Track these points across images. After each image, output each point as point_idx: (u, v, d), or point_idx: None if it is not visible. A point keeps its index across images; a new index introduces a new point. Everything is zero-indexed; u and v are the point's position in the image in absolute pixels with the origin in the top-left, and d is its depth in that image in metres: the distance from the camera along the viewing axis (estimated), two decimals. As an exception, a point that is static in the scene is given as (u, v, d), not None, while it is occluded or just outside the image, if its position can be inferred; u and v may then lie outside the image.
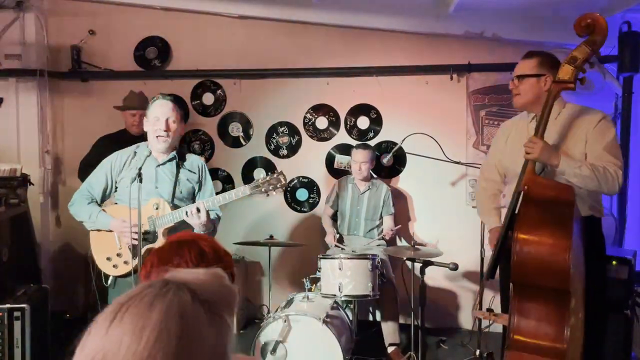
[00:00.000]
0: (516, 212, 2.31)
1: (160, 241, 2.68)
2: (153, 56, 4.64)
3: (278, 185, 2.62)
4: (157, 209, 2.66)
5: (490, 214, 2.90)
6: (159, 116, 2.68)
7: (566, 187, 2.18)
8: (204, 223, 2.62)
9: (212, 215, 2.83)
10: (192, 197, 2.85)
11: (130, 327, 0.70)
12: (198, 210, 2.60)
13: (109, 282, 2.78)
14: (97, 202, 2.84)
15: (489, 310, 2.31)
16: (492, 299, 2.74)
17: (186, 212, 2.61)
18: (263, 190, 2.62)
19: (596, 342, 2.43)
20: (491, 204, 2.90)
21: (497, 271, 2.48)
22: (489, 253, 3.72)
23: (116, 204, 2.87)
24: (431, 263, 3.10)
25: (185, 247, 1.48)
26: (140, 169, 2.50)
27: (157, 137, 2.69)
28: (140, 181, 2.46)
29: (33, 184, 4.04)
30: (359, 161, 4.11)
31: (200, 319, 0.74)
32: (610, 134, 2.44)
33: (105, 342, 0.70)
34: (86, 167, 3.70)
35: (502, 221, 2.83)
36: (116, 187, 2.83)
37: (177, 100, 2.83)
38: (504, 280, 2.58)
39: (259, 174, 4.58)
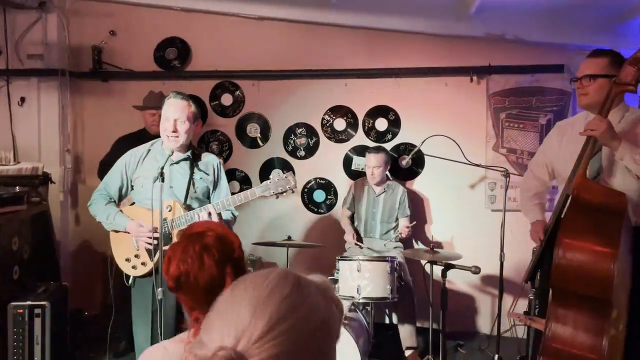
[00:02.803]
0: (562, 215, 2.24)
1: None
2: (173, 57, 4.67)
3: (287, 187, 2.59)
4: (170, 210, 2.65)
5: (531, 210, 2.78)
6: (169, 116, 2.67)
7: (618, 194, 2.09)
8: None
9: (228, 215, 2.84)
10: (207, 197, 2.85)
11: (254, 277, 0.80)
12: (209, 214, 2.60)
13: (130, 281, 2.79)
14: (114, 201, 2.85)
15: (526, 313, 2.26)
16: (530, 302, 2.68)
17: (198, 215, 2.62)
18: (272, 192, 2.60)
19: (638, 356, 2.35)
20: (534, 200, 2.80)
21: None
22: (508, 257, 3.71)
23: (133, 203, 2.89)
24: (453, 266, 3.07)
25: (191, 241, 1.55)
26: (162, 168, 2.50)
27: (167, 136, 2.69)
28: (162, 180, 2.47)
29: (54, 183, 4.09)
30: (371, 166, 4.09)
31: (311, 288, 0.81)
32: None
33: (234, 291, 0.80)
34: (106, 167, 3.70)
35: (544, 216, 2.76)
36: (132, 186, 2.84)
37: (192, 98, 2.81)
38: (544, 284, 2.52)
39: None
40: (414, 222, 4.10)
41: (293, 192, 2.67)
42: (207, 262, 1.50)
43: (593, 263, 1.89)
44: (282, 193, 2.62)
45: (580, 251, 1.91)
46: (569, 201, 2.11)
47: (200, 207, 2.71)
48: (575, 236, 1.94)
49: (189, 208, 2.71)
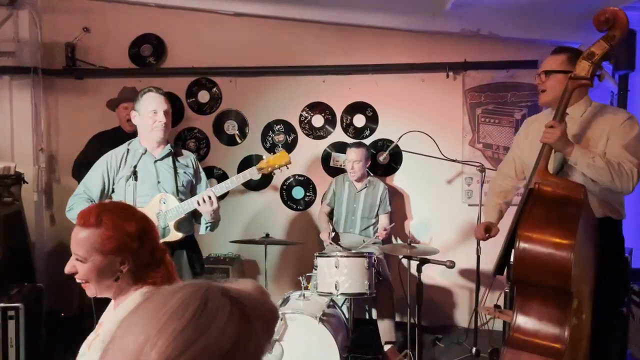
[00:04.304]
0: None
1: (173, 234, 2.71)
2: (148, 54, 4.61)
3: (283, 163, 2.74)
4: (164, 203, 2.69)
5: (490, 209, 2.84)
6: (157, 108, 2.73)
7: (577, 186, 2.12)
8: (216, 210, 2.71)
9: None
10: (191, 190, 2.90)
11: (157, 300, 0.72)
12: (209, 198, 2.69)
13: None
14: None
15: (497, 306, 2.29)
16: (500, 294, 2.72)
17: (197, 201, 2.67)
18: (269, 170, 2.75)
19: (604, 345, 2.39)
20: (498, 199, 2.83)
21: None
22: (485, 251, 3.76)
23: None
24: (428, 261, 3.09)
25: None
26: (135, 167, 2.48)
27: (155, 127, 2.73)
28: (136, 179, 2.45)
29: (27, 182, 4.02)
30: (351, 160, 4.11)
31: (223, 311, 0.71)
32: (632, 133, 2.33)
33: (133, 314, 0.72)
34: (80, 166, 3.67)
35: (497, 218, 2.82)
36: (113, 188, 2.82)
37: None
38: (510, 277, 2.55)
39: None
40: (393, 224, 4.12)
41: (287, 168, 2.81)
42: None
43: (550, 254, 1.92)
44: (278, 169, 2.78)
45: (538, 243, 1.94)
46: (530, 195, 2.15)
47: (185, 200, 2.75)
48: (533, 228, 1.97)
49: (180, 200, 2.75)
